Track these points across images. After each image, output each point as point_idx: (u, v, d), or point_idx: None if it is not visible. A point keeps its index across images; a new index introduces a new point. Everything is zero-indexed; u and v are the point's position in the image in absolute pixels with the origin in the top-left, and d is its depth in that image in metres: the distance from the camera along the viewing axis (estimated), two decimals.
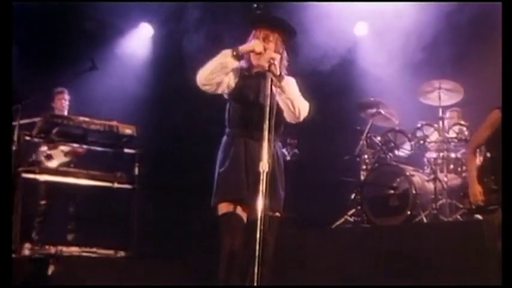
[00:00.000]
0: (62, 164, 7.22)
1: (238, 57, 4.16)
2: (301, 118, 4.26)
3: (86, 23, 9.12)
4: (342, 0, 8.36)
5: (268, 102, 3.87)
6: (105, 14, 8.93)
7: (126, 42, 9.68)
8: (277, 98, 4.12)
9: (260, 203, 3.69)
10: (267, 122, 3.82)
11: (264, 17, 4.39)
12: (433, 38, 8.13)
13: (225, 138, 4.33)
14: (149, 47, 9.82)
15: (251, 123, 4.21)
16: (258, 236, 3.65)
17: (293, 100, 4.20)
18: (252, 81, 4.31)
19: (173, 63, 8.76)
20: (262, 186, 3.71)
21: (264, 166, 3.75)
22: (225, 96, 4.38)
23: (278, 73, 4.07)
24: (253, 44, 4.20)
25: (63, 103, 7.89)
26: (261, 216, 3.66)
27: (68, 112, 7.82)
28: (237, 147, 4.22)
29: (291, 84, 4.26)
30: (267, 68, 4.05)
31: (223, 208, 4.17)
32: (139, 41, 9.78)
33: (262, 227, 3.65)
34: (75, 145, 7.01)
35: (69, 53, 8.59)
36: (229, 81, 4.29)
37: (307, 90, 4.39)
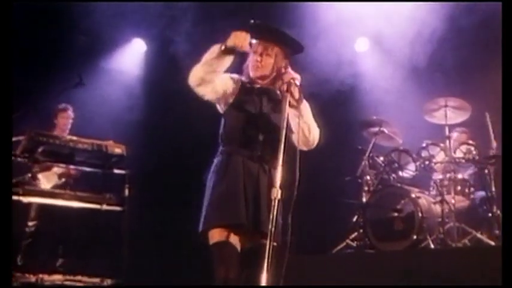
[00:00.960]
0: (56, 186, 7.05)
1: (227, 51, 3.75)
2: (315, 145, 3.96)
3: (76, 38, 8.88)
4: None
5: (285, 125, 3.59)
6: (96, 29, 8.56)
7: (117, 57, 9.36)
8: (291, 122, 3.79)
9: (269, 234, 3.40)
10: (282, 145, 3.54)
11: (263, 28, 4.05)
12: (438, 51, 7.87)
13: (219, 156, 3.95)
14: (142, 63, 9.53)
15: (251, 142, 3.87)
16: (264, 268, 3.36)
17: (310, 125, 3.88)
18: (254, 97, 3.97)
19: (166, 80, 8.52)
20: (272, 215, 3.41)
21: (275, 193, 3.44)
22: (220, 110, 4.02)
23: (298, 96, 3.74)
24: (237, 36, 3.76)
25: (67, 121, 7.62)
26: (269, 249, 3.37)
27: (71, 131, 7.55)
28: (234, 167, 3.83)
29: (308, 107, 3.92)
30: (285, 89, 3.72)
31: (216, 236, 3.75)
32: (131, 56, 9.47)
33: (269, 261, 3.37)
34: (63, 165, 6.77)
35: (58, 68, 8.26)
36: (228, 94, 3.94)
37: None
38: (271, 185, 3.63)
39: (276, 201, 3.43)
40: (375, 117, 7.55)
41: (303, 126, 3.83)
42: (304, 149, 3.93)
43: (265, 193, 3.73)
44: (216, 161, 3.95)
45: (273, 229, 3.40)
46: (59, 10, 8.43)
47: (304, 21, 7.99)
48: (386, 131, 7.49)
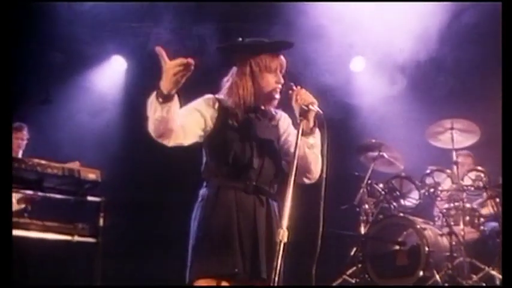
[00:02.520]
0: (14, 213, 6.34)
1: (165, 97, 2.97)
2: (316, 179, 3.35)
3: (51, 54, 8.26)
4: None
5: (296, 156, 2.99)
6: (73, 46, 8.09)
7: (95, 76, 8.69)
8: (298, 151, 3.15)
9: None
10: (293, 178, 2.91)
11: (262, 43, 3.36)
12: (442, 68, 7.43)
13: (204, 190, 3.28)
14: (121, 82, 8.87)
15: (244, 171, 3.22)
16: None
17: (318, 157, 3.25)
18: (239, 117, 3.30)
19: (147, 100, 7.84)
20: (276, 262, 2.78)
21: (281, 235, 2.81)
22: (199, 139, 3.32)
23: (312, 123, 3.17)
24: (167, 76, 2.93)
25: (21, 142, 6.93)
26: None
27: (24, 153, 6.88)
28: (224, 202, 3.18)
29: (319, 136, 3.29)
30: (298, 114, 3.14)
31: (202, 284, 3.10)
32: (110, 75, 8.81)
33: None
34: (28, 192, 6.15)
35: (30, 87, 7.70)
36: (206, 120, 3.25)
37: None
38: (270, 219, 3.11)
39: (282, 245, 2.81)
40: (373, 141, 7.08)
41: (311, 157, 3.22)
42: (306, 182, 3.33)
43: (264, 231, 3.15)
44: (201, 194, 3.29)
45: (276, 278, 2.78)
46: (34, 26, 7.91)
47: (295, 40, 7.48)
48: (386, 155, 7.04)
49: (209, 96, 3.34)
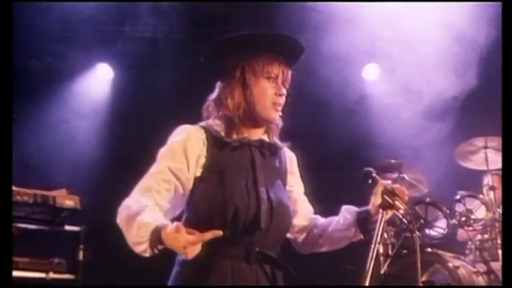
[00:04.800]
0: None
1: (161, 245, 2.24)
2: None
3: (29, 62, 7.86)
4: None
5: (375, 247, 2.59)
6: (52, 51, 7.69)
7: (77, 86, 8.10)
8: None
9: None
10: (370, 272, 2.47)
11: (266, 36, 2.58)
12: (468, 77, 6.69)
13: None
14: (107, 93, 8.29)
15: (248, 233, 2.40)
16: None
17: None
18: (241, 159, 2.51)
19: (135, 113, 7.61)
20: None
21: None
22: (181, 190, 2.55)
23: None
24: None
25: None
26: None
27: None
28: (216, 276, 2.37)
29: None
30: (379, 204, 2.76)
31: None
32: (94, 85, 8.22)
33: None
34: None
35: None
36: (196, 170, 2.48)
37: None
38: None
39: None
40: (392, 161, 6.44)
41: (345, 242, 2.85)
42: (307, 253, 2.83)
43: None
44: (179, 261, 2.48)
45: None
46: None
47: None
48: (407, 177, 6.40)
49: (188, 132, 2.51)
